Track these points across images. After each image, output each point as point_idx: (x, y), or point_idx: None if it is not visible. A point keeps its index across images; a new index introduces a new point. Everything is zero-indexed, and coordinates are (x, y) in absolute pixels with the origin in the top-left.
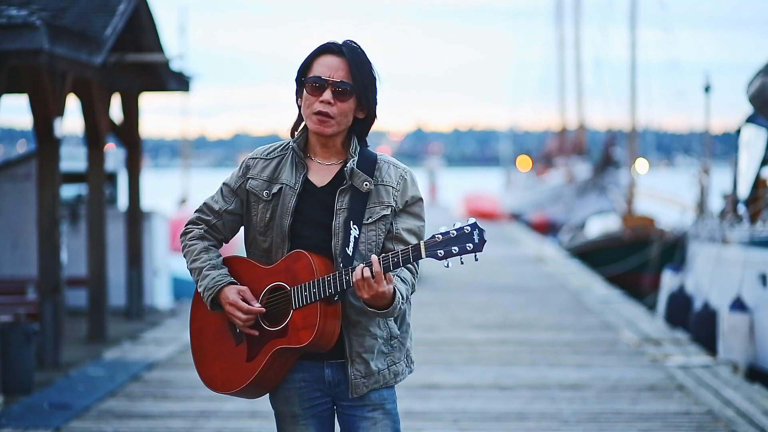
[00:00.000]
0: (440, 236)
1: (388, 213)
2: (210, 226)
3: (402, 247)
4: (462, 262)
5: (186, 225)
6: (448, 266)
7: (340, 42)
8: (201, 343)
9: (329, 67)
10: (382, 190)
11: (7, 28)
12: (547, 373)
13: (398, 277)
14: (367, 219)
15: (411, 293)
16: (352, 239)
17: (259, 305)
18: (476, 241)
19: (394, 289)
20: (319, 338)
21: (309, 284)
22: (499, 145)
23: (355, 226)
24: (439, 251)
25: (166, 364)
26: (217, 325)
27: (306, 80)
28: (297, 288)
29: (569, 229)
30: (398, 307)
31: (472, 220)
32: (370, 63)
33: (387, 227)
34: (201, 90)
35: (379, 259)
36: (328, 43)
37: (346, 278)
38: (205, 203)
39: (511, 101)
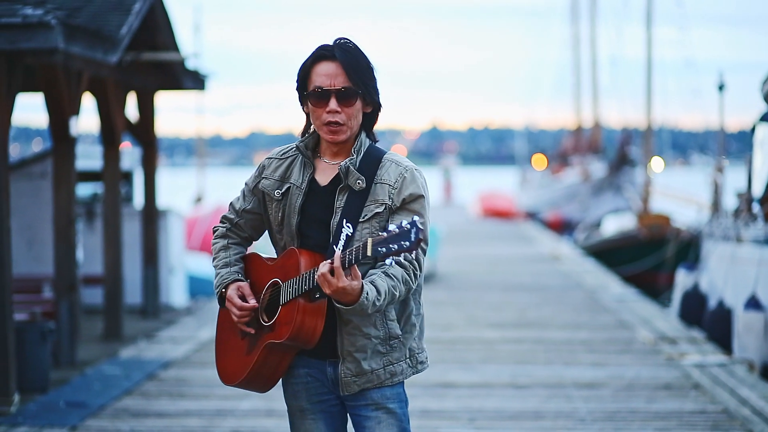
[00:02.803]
0: (385, 234)
1: (381, 211)
2: (233, 224)
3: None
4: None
5: (219, 221)
6: (391, 264)
7: (332, 43)
8: (220, 336)
9: (327, 75)
10: (378, 188)
11: (22, 27)
12: (563, 371)
13: (383, 273)
14: (363, 217)
15: (405, 290)
16: (343, 237)
17: (254, 301)
18: (412, 239)
19: (362, 285)
20: (297, 334)
21: (292, 281)
22: (515, 143)
23: (348, 224)
24: (380, 248)
25: (182, 363)
26: (231, 320)
27: (308, 93)
28: (285, 284)
29: (585, 228)
30: (367, 303)
31: (415, 218)
32: (364, 56)
33: (382, 225)
34: (216, 88)
35: (341, 255)
36: (320, 49)
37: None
38: (231, 202)
39: (527, 100)
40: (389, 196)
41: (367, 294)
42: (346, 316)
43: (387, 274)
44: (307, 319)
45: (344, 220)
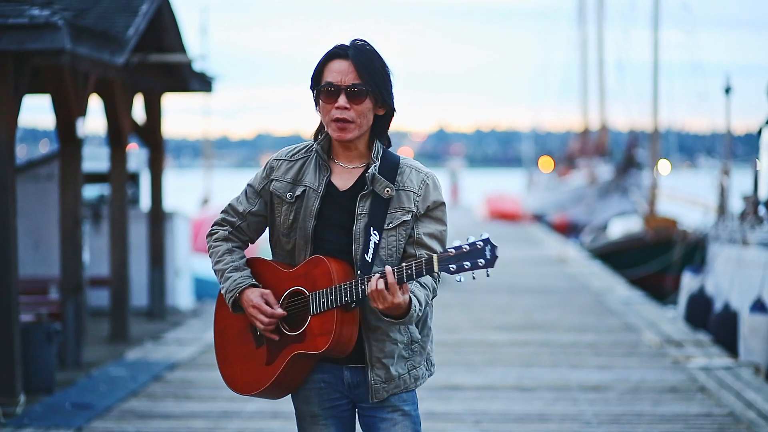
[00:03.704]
0: (453, 250)
1: (409, 219)
2: (234, 227)
3: (424, 252)
4: (474, 278)
5: (212, 225)
6: (460, 281)
7: (348, 43)
8: (224, 343)
9: (339, 72)
10: (403, 195)
11: (29, 28)
12: (568, 374)
13: (418, 282)
14: (388, 224)
15: (432, 298)
16: (371, 245)
17: (281, 309)
18: (488, 257)
19: (410, 298)
20: (336, 345)
21: (327, 291)
22: (522, 146)
23: (375, 232)
24: (451, 265)
25: (188, 365)
26: (239, 327)
27: (319, 88)
28: (315, 294)
29: (591, 231)
30: (415, 315)
31: (485, 236)
32: (380, 58)
33: (408, 232)
34: (223, 90)
35: (393, 270)
36: (335, 47)
37: (362, 287)
38: (230, 204)
39: (534, 102)
40: (414, 203)
41: (415, 307)
42: (375, 323)
43: (421, 284)
44: (344, 329)
45: (370, 228)
